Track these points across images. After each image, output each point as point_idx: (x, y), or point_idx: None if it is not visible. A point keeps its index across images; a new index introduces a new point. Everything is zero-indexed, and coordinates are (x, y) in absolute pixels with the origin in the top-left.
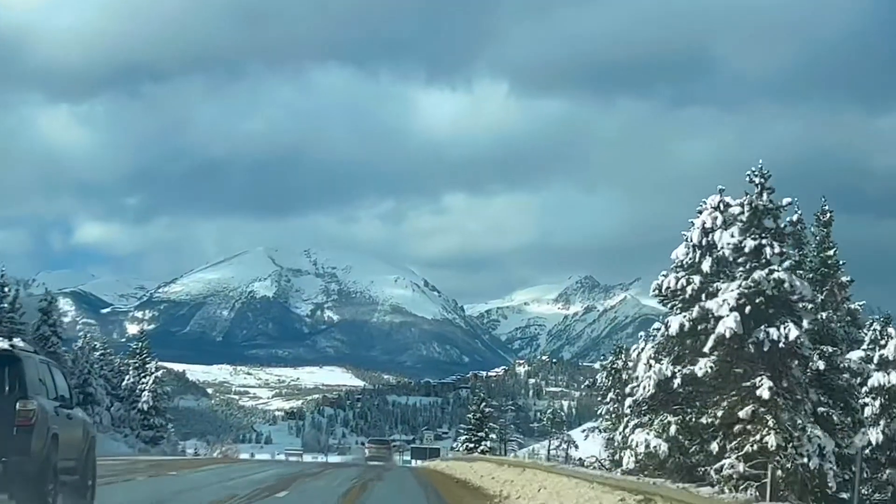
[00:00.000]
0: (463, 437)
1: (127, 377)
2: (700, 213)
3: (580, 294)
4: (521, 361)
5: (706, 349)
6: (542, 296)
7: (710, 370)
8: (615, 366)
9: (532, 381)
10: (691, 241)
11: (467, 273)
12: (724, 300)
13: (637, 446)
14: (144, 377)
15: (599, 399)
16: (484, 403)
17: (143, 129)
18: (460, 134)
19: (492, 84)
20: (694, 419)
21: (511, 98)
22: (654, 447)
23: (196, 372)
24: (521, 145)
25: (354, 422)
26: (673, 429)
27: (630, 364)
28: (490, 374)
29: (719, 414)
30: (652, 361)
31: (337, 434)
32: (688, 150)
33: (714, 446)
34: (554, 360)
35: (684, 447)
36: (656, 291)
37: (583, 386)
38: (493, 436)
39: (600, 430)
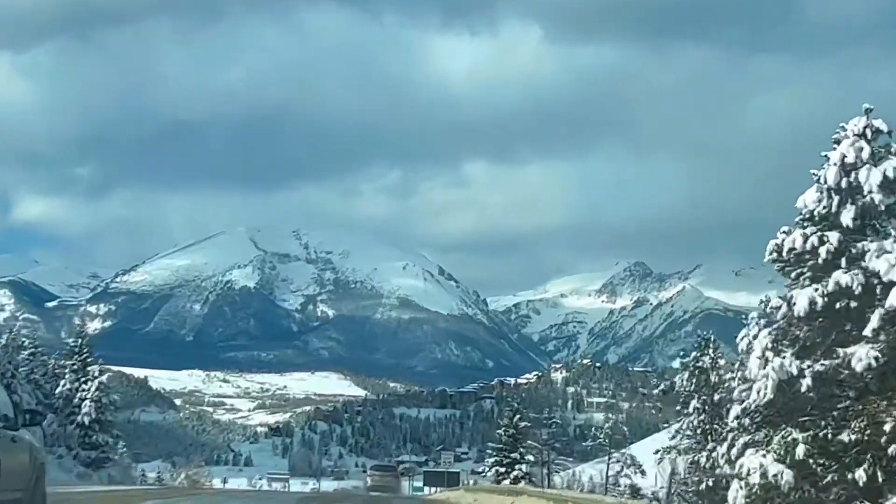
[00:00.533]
0: (491, 460)
1: (62, 383)
2: (837, 143)
3: (629, 284)
4: (558, 366)
5: (867, 331)
6: (583, 286)
7: (874, 362)
8: (699, 364)
9: (571, 389)
10: (825, 182)
11: (492, 259)
12: None
13: (749, 474)
14: (85, 383)
15: (679, 408)
16: (518, 416)
17: (98, 83)
18: (483, 88)
19: (521, 27)
20: (831, 435)
21: (545, 44)
22: (775, 475)
23: (161, 379)
24: (557, 102)
25: (353, 439)
26: (801, 449)
27: (720, 362)
28: (520, 381)
29: (869, 428)
30: (769, 354)
31: (332, 455)
32: (764, 107)
33: (860, 474)
34: (598, 365)
35: (817, 475)
36: (773, 255)
37: (655, 391)
38: (531, 457)
39: (679, 452)
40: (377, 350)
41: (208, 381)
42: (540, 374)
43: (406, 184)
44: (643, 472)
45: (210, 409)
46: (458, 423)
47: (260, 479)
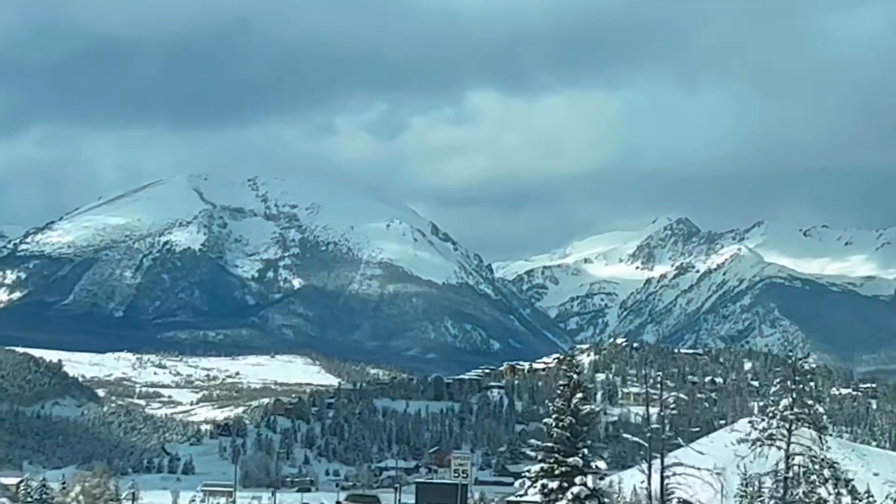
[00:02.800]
0: (535, 468)
1: None
2: None
3: (670, 247)
4: (584, 347)
5: None
6: (613, 250)
7: None
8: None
9: (601, 377)
10: None
11: (499, 215)
12: None
13: None
14: None
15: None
16: (581, 395)
17: None
18: None
19: None
20: None
21: None
22: None
23: (80, 364)
24: (586, 17)
25: (323, 440)
26: None
27: None
28: (536, 365)
29: None
30: None
31: (296, 459)
32: (846, 26)
33: None
34: (635, 346)
35: None
36: None
37: (708, 379)
38: (601, 464)
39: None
40: (354, 329)
41: (140, 367)
42: (561, 356)
43: (392, 120)
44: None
45: (142, 402)
46: (458, 419)
47: (198, 491)
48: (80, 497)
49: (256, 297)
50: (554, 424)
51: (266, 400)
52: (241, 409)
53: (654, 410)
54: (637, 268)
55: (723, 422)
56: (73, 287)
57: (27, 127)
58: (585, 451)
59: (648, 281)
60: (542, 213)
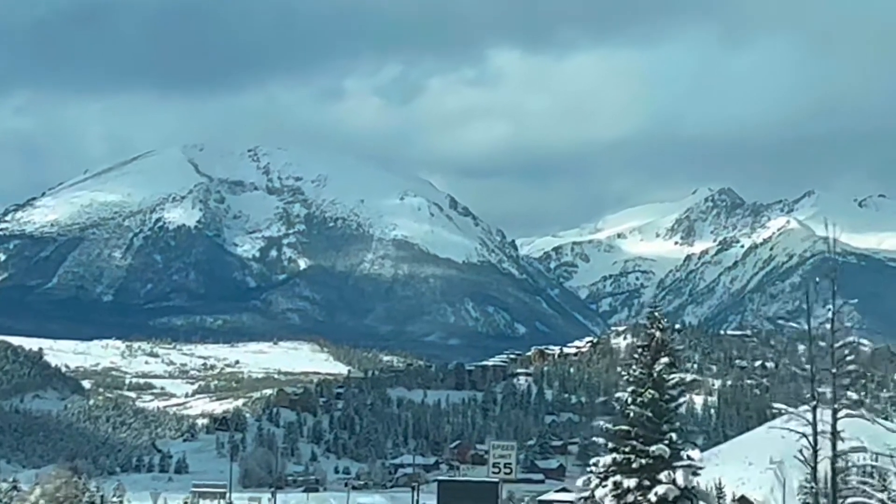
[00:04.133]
0: (607, 459)
1: None
2: None
3: (712, 220)
4: (621, 329)
5: None
6: (649, 223)
7: None
8: None
9: None
10: None
11: (524, 186)
12: None
13: None
14: None
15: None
16: (666, 360)
17: None
18: None
19: None
20: None
21: None
22: None
23: (64, 352)
24: None
25: (332, 434)
26: None
27: None
28: (567, 350)
29: None
30: None
31: (301, 456)
32: None
33: None
34: (677, 327)
35: None
36: None
37: (758, 364)
38: (694, 453)
39: None
40: (366, 313)
41: (129, 356)
42: (594, 340)
43: (406, 83)
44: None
45: (132, 395)
46: (481, 410)
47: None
48: (41, 501)
49: (258, 278)
50: (630, 401)
51: (268, 391)
52: (240, 402)
53: (699, 399)
54: (676, 243)
55: (777, 409)
56: (57, 269)
57: (5, 94)
58: (673, 435)
59: (688, 258)
60: (571, 184)
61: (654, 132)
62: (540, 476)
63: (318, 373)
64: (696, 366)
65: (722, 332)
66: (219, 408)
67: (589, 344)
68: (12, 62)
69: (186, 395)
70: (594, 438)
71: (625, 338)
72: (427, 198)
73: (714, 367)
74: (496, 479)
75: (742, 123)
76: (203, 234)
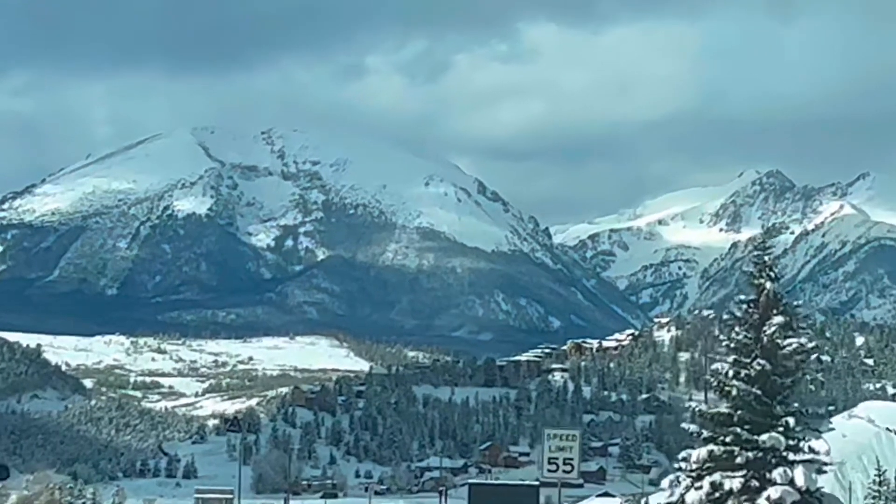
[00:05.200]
0: (702, 453)
1: None
2: None
3: (759, 205)
4: (665, 321)
5: None
6: (692, 208)
7: None
8: None
9: (685, 356)
10: None
11: (558, 169)
12: None
13: None
14: None
15: None
16: (781, 320)
17: None
18: None
19: None
20: None
21: None
22: None
23: (65, 349)
24: None
25: (353, 435)
26: None
27: None
28: (606, 343)
29: None
30: None
31: (320, 459)
32: None
33: None
34: (725, 318)
35: None
36: None
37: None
38: (819, 444)
39: None
40: (388, 306)
41: (135, 353)
42: (635, 333)
43: (432, 59)
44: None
45: (137, 394)
46: (514, 409)
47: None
48: None
49: (273, 269)
50: (731, 374)
51: (284, 389)
52: (254, 401)
53: None
54: (721, 230)
55: (832, 407)
56: (59, 261)
57: (2, 73)
58: (790, 420)
59: (734, 245)
60: (608, 166)
61: (697, 111)
62: (579, 480)
63: (338, 369)
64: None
65: None
66: (231, 408)
67: (630, 337)
68: (10, 38)
69: (196, 395)
70: (683, 425)
71: (668, 330)
72: (454, 183)
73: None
74: (536, 482)
75: (792, 101)
76: (214, 223)
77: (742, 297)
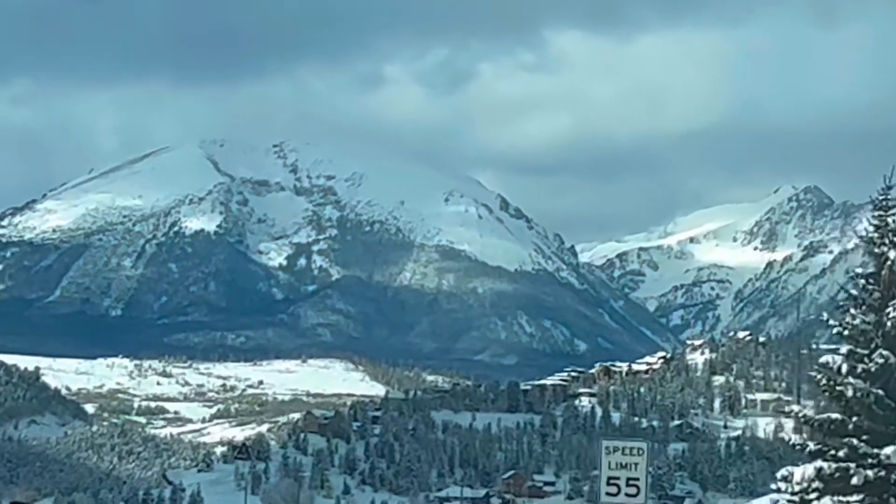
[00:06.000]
0: (808, 471)
1: None
2: None
3: (797, 222)
4: (698, 343)
5: None
6: (725, 226)
7: None
8: None
9: (719, 380)
10: None
11: (585, 185)
12: None
13: None
14: None
15: None
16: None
17: None
18: None
19: None
20: None
21: None
22: None
23: (65, 372)
24: None
25: (368, 463)
26: None
27: None
28: (636, 367)
29: None
30: None
31: (333, 488)
32: None
33: None
34: (761, 341)
35: None
36: None
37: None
38: None
39: None
40: (406, 328)
41: (139, 376)
42: (666, 356)
43: (453, 68)
44: None
45: (141, 420)
46: (538, 435)
47: None
48: None
49: (285, 289)
50: (846, 370)
51: (295, 415)
52: (264, 427)
53: (789, 424)
54: (756, 249)
55: None
56: (60, 280)
57: (1, 82)
58: None
59: (770, 265)
60: (638, 182)
61: (732, 123)
62: None
63: (352, 394)
64: (784, 384)
65: (814, 345)
66: (239, 434)
67: (661, 360)
68: (10, 46)
69: (203, 421)
70: (782, 435)
71: (702, 353)
72: (475, 199)
73: (805, 387)
74: None
75: (831, 112)
76: (224, 241)
77: (859, 270)
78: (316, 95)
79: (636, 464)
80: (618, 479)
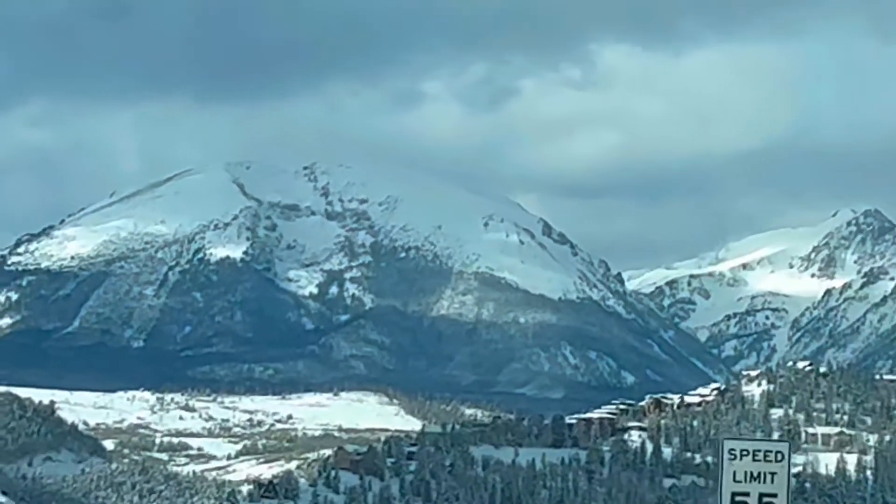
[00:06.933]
0: None
1: None
2: None
3: (856, 247)
4: (754, 374)
5: None
6: (781, 251)
7: None
8: None
9: (777, 413)
10: None
11: (632, 208)
12: None
13: None
14: None
15: None
16: None
17: None
18: None
19: None
20: None
21: None
22: None
23: (83, 406)
24: None
25: (403, 501)
26: None
27: None
28: (689, 399)
29: None
30: None
31: None
32: None
33: None
34: (822, 371)
35: None
36: None
37: None
38: None
39: None
40: (443, 360)
41: (161, 410)
42: (721, 388)
43: (495, 85)
44: None
45: (163, 457)
46: (585, 472)
47: None
48: None
49: (316, 319)
50: None
51: (326, 451)
52: (293, 464)
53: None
54: (813, 276)
55: None
56: (79, 310)
57: (18, 102)
58: None
59: (828, 292)
60: (689, 205)
61: (788, 142)
62: None
63: (387, 429)
64: (845, 417)
65: (878, 376)
66: (267, 471)
67: (715, 392)
68: (27, 64)
69: (228, 457)
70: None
71: (759, 384)
72: (516, 223)
73: (868, 420)
74: None
75: (893, 130)
76: (251, 268)
77: None
78: (348, 114)
79: (773, 474)
80: (746, 495)
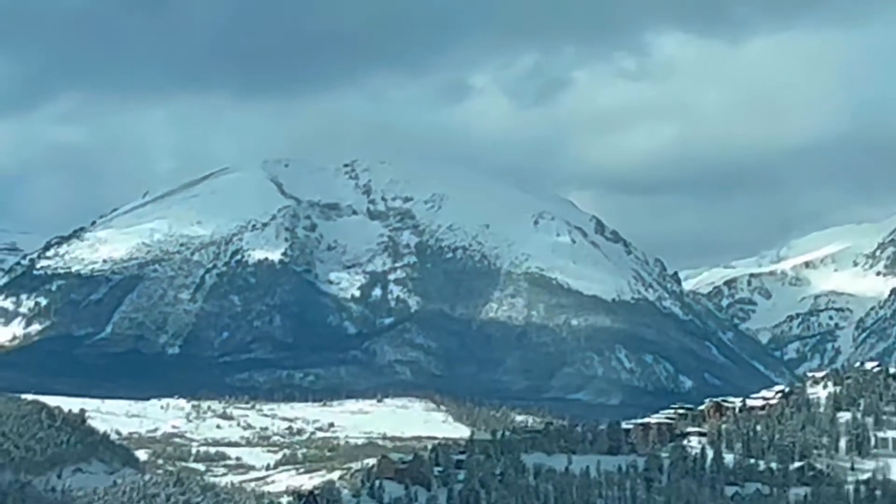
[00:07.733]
0: None
1: None
2: None
3: None
4: (819, 375)
5: None
6: (846, 249)
7: None
8: None
9: (845, 416)
10: None
11: (689, 204)
12: None
13: None
14: None
15: None
16: None
17: None
18: None
19: None
20: None
21: None
22: None
23: (115, 415)
24: None
25: None
26: None
27: None
28: (751, 402)
29: None
30: None
31: None
32: None
33: None
34: (891, 373)
35: None
36: None
37: None
38: None
39: None
40: (493, 364)
41: (197, 419)
42: (785, 391)
43: (545, 77)
44: None
45: (199, 467)
46: (643, 479)
47: None
48: None
49: (359, 323)
50: None
51: (370, 460)
52: (335, 474)
53: None
54: (879, 274)
55: None
56: (112, 315)
57: (48, 99)
58: None
59: (894, 291)
60: (748, 201)
61: (853, 135)
62: None
63: (434, 437)
64: None
65: None
66: (307, 482)
67: (779, 395)
68: (55, 58)
69: (267, 467)
70: None
71: (825, 386)
72: (568, 221)
73: None
74: None
75: None
76: (290, 270)
77: None
78: (391, 109)
79: None
80: None
